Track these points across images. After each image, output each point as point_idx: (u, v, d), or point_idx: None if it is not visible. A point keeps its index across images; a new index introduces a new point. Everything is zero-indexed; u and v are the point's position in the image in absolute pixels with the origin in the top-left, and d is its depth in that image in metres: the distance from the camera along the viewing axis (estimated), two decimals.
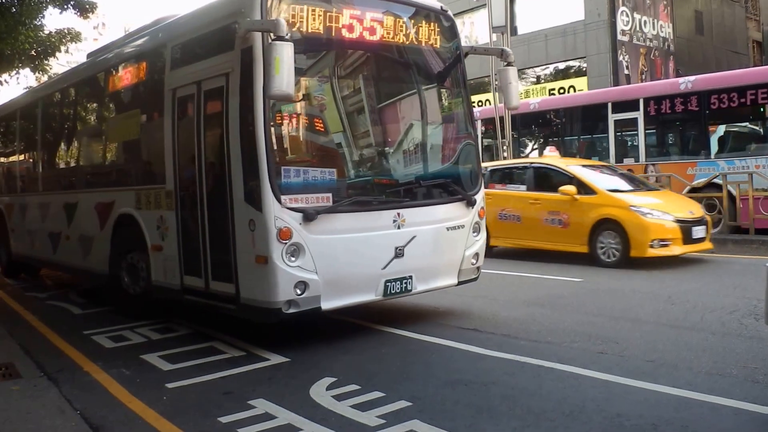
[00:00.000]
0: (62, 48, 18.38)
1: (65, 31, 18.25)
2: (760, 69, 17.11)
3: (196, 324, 7.89)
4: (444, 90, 7.97)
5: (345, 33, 6.70)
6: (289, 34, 5.80)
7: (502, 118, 18.60)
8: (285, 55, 5.63)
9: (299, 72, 6.08)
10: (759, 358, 5.91)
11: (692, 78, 16.01)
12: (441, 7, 7.67)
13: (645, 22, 30.89)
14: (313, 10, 6.46)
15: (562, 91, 30.40)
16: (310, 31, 6.45)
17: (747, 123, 15.89)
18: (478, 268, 7.86)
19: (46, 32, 17.97)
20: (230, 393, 5.42)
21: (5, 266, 13.46)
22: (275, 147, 6.22)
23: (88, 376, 6.12)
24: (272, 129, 6.21)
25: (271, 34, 5.82)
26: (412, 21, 7.31)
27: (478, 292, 8.33)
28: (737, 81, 14.96)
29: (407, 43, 7.30)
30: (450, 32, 7.72)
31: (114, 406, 5.28)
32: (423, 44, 7.44)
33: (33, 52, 17.72)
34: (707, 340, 6.61)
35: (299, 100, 6.57)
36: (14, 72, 19.31)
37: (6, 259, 13.34)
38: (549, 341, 6.73)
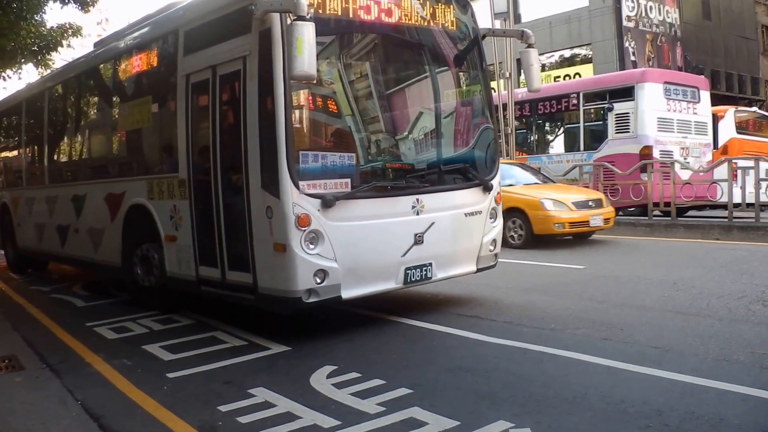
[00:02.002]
0: (64, 43, 18.32)
1: (67, 25, 18.19)
2: (571, 82, 20.89)
3: (198, 314, 7.86)
4: (462, 73, 7.87)
5: (362, 14, 6.61)
6: (309, 14, 5.71)
7: (505, 105, 18.57)
8: (307, 35, 5.51)
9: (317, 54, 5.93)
10: (767, 344, 5.84)
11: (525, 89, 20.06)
12: None
13: (651, 7, 30.72)
14: None
15: (567, 78, 30.29)
16: (326, 12, 6.34)
17: (564, 125, 18.80)
18: (495, 255, 7.78)
19: (48, 27, 17.92)
20: (230, 382, 5.40)
21: (12, 261, 13.43)
22: (294, 131, 6.11)
23: (90, 367, 6.11)
24: (291, 113, 6.10)
25: (291, 15, 5.71)
26: (427, 3, 7.21)
27: (479, 279, 8.25)
28: (555, 91, 18.89)
29: (424, 25, 7.21)
30: (467, 14, 7.64)
31: (115, 396, 5.28)
32: (439, 27, 7.34)
33: (35, 47, 17.65)
34: (714, 326, 6.54)
35: (319, 83, 6.44)
36: (17, 67, 19.29)
37: (12, 254, 13.32)
38: (552, 328, 6.66)
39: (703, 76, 20.35)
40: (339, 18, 6.47)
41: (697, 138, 17.15)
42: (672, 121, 16.63)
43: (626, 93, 16.56)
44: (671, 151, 16.29)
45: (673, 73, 19.13)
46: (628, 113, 16.45)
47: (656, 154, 15.98)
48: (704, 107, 17.57)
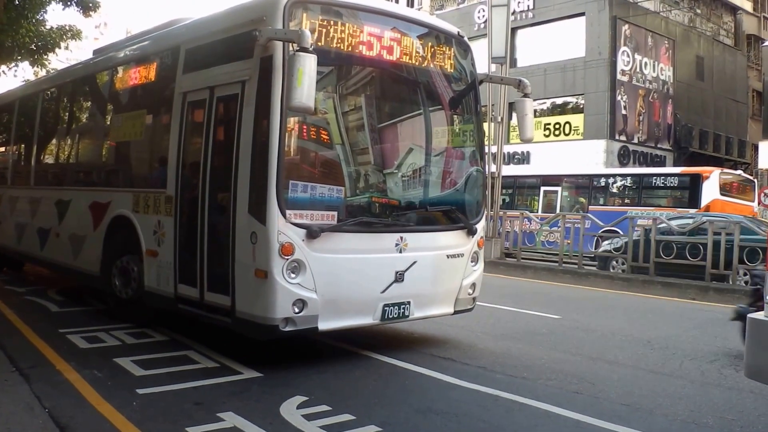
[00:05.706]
0: (62, 44, 18.33)
1: (66, 27, 18.22)
2: None
3: (172, 331, 7.81)
4: (456, 116, 7.91)
5: (362, 50, 6.67)
6: (312, 46, 5.75)
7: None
8: (308, 66, 5.55)
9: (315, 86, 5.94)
10: (737, 410, 5.89)
11: None
12: (458, 32, 7.69)
13: (645, 63, 31.19)
14: (334, 24, 6.43)
15: (558, 126, 30.63)
16: (328, 45, 6.39)
17: None
18: (474, 299, 7.77)
19: (48, 27, 17.94)
20: (200, 404, 5.36)
21: None
22: (285, 160, 6.13)
23: (60, 375, 6.05)
24: (285, 141, 6.11)
25: (294, 45, 5.76)
26: (429, 43, 7.30)
27: (455, 321, 8.27)
28: None
29: (422, 65, 7.29)
30: (466, 59, 7.72)
31: (83, 407, 5.23)
32: (438, 68, 7.42)
33: (33, 46, 17.67)
34: (685, 387, 6.59)
35: (316, 114, 6.43)
36: (13, 64, 19.25)
37: None
38: (524, 377, 6.68)
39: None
40: (341, 51, 6.52)
41: None
42: None
43: None
44: None
45: None
46: None
47: None
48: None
